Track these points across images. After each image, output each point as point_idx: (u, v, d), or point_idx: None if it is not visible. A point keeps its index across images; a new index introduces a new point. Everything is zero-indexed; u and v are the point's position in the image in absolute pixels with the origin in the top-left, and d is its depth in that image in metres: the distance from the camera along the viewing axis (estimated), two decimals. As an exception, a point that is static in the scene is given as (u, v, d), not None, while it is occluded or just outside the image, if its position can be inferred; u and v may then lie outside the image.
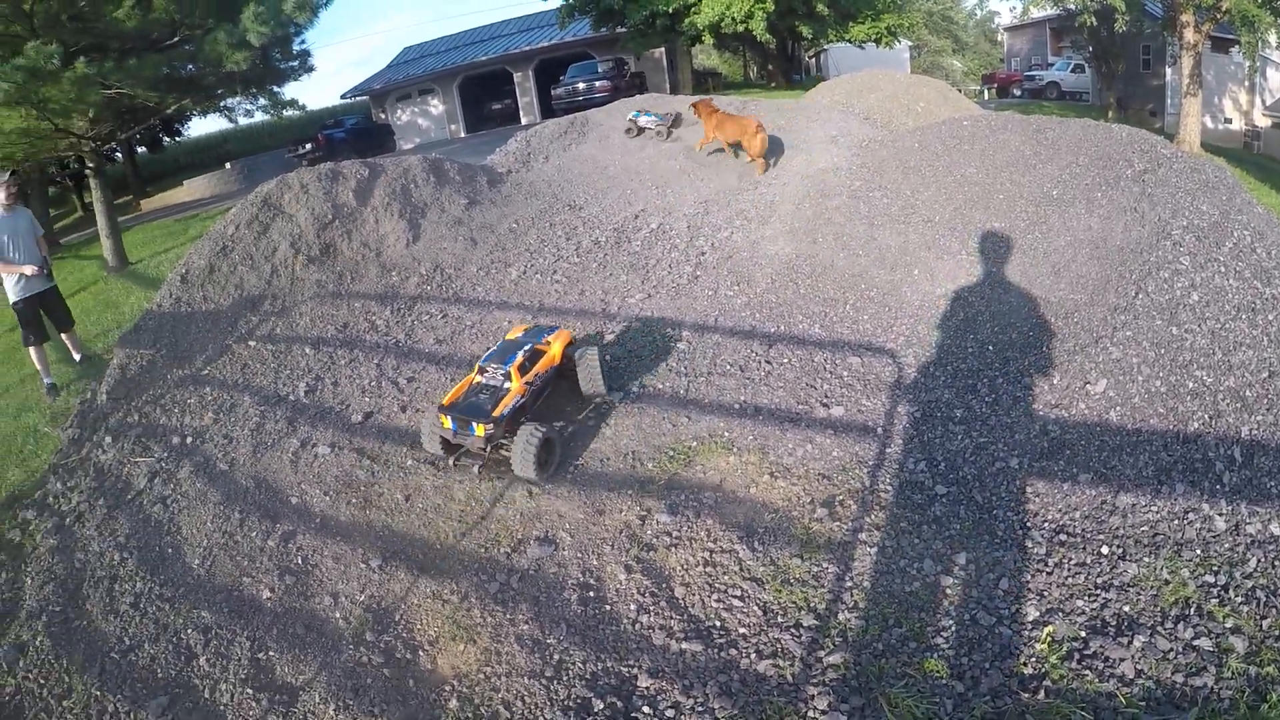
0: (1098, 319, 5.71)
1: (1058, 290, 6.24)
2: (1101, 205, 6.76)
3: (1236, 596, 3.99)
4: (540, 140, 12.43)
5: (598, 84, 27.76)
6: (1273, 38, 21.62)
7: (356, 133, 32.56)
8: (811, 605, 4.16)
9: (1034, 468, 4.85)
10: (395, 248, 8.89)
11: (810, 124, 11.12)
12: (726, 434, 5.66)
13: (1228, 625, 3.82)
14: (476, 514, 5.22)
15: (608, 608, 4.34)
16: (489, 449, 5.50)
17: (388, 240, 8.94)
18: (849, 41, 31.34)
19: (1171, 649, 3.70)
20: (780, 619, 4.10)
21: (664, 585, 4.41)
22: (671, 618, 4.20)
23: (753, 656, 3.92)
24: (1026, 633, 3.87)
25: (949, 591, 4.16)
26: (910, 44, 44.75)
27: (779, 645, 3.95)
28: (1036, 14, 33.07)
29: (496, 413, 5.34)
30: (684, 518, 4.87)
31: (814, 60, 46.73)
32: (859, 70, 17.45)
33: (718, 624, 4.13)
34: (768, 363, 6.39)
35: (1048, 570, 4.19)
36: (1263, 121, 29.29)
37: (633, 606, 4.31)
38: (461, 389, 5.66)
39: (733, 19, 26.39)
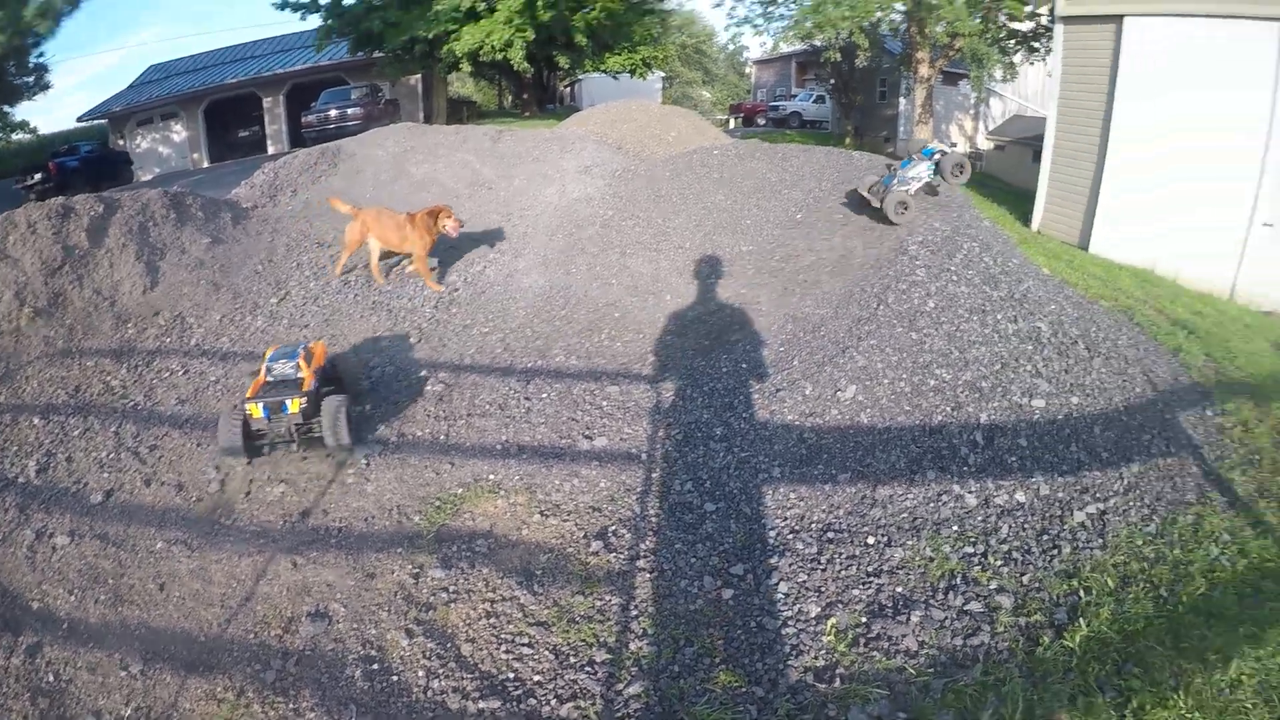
0: (844, 330, 6.17)
1: (805, 306, 6.68)
2: (843, 225, 7.27)
3: (996, 560, 4.46)
4: (289, 173, 11.92)
5: (350, 111, 27.09)
6: (999, 73, 24.01)
7: (91, 161, 30.06)
8: (602, 640, 4.21)
9: (796, 474, 5.16)
10: (131, 295, 8.26)
11: (564, 154, 11.32)
12: (492, 477, 5.61)
13: (992, 587, 4.27)
14: (239, 595, 4.87)
15: (395, 679, 4.17)
16: (298, 430, 5.76)
17: (123, 287, 8.29)
18: (604, 72, 32.18)
19: (946, 617, 4.09)
20: (573, 659, 4.12)
21: (449, 645, 4.31)
22: (463, 678, 4.11)
23: (553, 703, 3.92)
24: (812, 628, 4.12)
25: (732, 603, 4.34)
26: (662, 75, 46.62)
27: (577, 686, 3.98)
28: (785, 49, 35.24)
29: (305, 388, 5.71)
30: (458, 570, 4.78)
31: (569, 89, 47.72)
32: (612, 99, 17.93)
33: (511, 676, 4.09)
34: (527, 399, 6.43)
35: (821, 567, 4.47)
36: (985, 145, 32.61)
37: (421, 673, 4.18)
38: (258, 386, 5.82)
39: (492, 47, 26.52)
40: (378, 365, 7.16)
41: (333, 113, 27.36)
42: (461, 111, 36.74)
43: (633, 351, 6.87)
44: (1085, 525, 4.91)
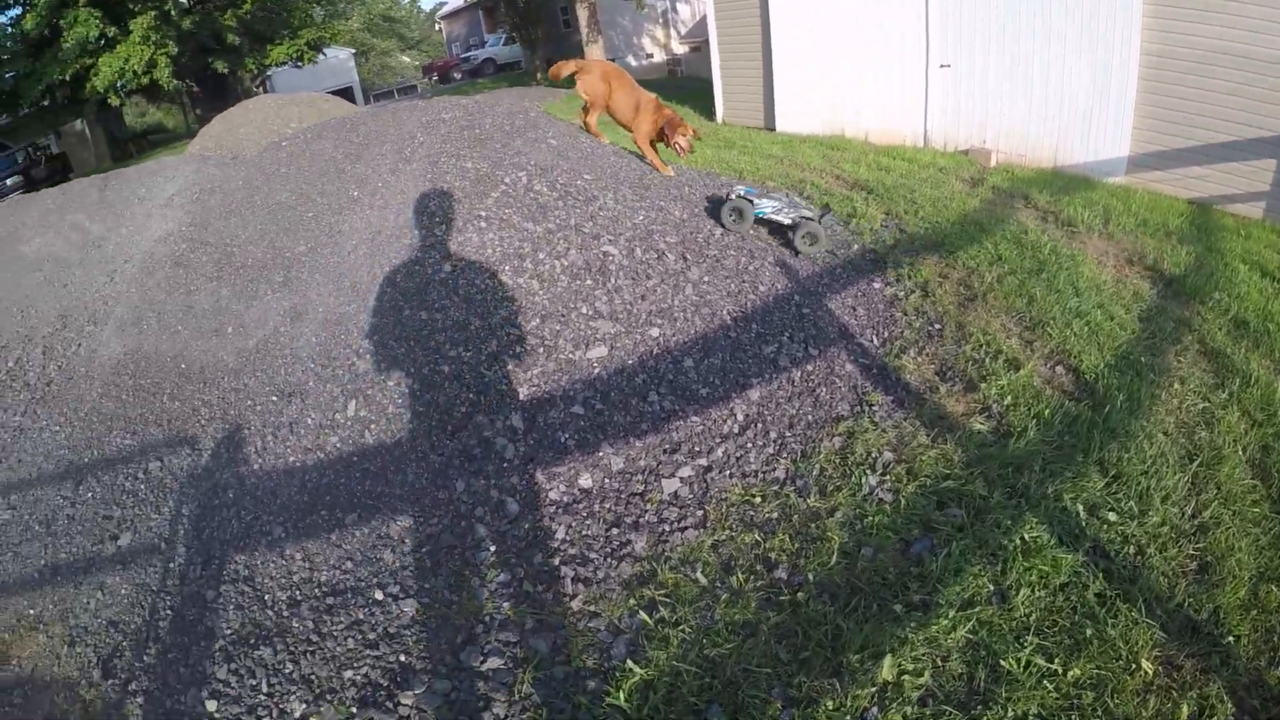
0: (361, 328, 5.56)
1: (340, 305, 6.02)
2: (383, 195, 6.72)
3: (537, 585, 3.98)
4: None
5: (9, 181, 25.50)
6: None
7: None
8: None
9: (300, 528, 4.58)
10: None
11: (168, 183, 10.36)
12: (32, 611, 4.91)
13: (528, 627, 3.79)
14: None
15: None
16: None
17: None
18: (270, 65, 31.02)
19: (453, 688, 3.59)
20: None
21: None
22: None
23: None
24: (290, 736, 3.60)
25: (216, 715, 3.79)
26: (354, 51, 45.98)
27: None
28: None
29: None
30: None
31: (261, 89, 46.24)
32: (302, 90, 17.09)
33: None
34: (73, 505, 5.69)
35: (316, 646, 3.94)
36: (681, 49, 33.84)
37: None
38: None
39: (134, 73, 24.97)
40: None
41: (-12, 185, 25.67)
42: (129, 148, 34.52)
43: (188, 408, 6.15)
44: (679, 496, 4.47)
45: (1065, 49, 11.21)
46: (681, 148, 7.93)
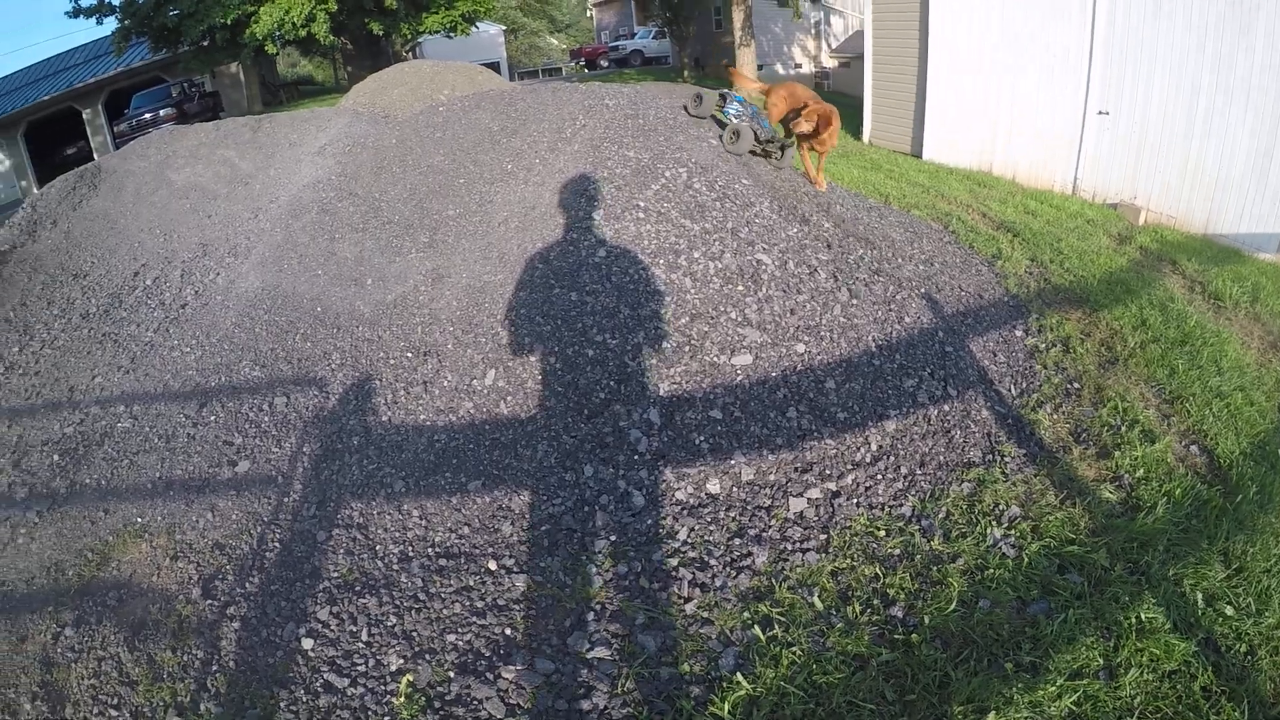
0: (507, 299, 5.59)
1: (485, 273, 6.07)
2: (538, 172, 6.74)
3: (653, 583, 3.91)
4: (48, 204, 10.94)
5: (164, 112, 26.57)
6: None
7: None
8: (178, 700, 3.72)
9: (421, 486, 4.61)
10: None
11: (320, 133, 10.63)
12: (140, 520, 5.05)
13: (638, 622, 3.71)
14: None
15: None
16: None
17: None
18: (424, 33, 31.70)
19: (556, 670, 3.54)
20: (147, 722, 3.68)
21: (58, 708, 3.85)
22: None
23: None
24: (383, 688, 3.57)
25: (311, 654, 3.80)
26: (504, 28, 46.89)
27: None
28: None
29: None
30: (87, 627, 4.27)
31: (410, 54, 47.53)
32: (452, 59, 17.37)
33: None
34: (194, 425, 5.81)
35: (421, 605, 3.93)
36: (830, 63, 33.86)
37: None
38: None
39: (293, 24, 25.76)
40: (84, 412, 6.42)
41: (146, 116, 26.92)
42: (280, 95, 35.61)
43: (319, 350, 6.26)
44: (804, 517, 4.37)
45: (1229, 116, 10.73)
46: (798, 123, 7.82)
